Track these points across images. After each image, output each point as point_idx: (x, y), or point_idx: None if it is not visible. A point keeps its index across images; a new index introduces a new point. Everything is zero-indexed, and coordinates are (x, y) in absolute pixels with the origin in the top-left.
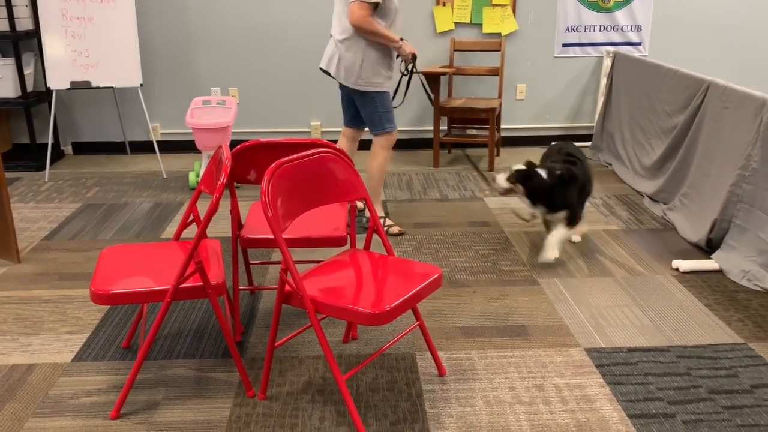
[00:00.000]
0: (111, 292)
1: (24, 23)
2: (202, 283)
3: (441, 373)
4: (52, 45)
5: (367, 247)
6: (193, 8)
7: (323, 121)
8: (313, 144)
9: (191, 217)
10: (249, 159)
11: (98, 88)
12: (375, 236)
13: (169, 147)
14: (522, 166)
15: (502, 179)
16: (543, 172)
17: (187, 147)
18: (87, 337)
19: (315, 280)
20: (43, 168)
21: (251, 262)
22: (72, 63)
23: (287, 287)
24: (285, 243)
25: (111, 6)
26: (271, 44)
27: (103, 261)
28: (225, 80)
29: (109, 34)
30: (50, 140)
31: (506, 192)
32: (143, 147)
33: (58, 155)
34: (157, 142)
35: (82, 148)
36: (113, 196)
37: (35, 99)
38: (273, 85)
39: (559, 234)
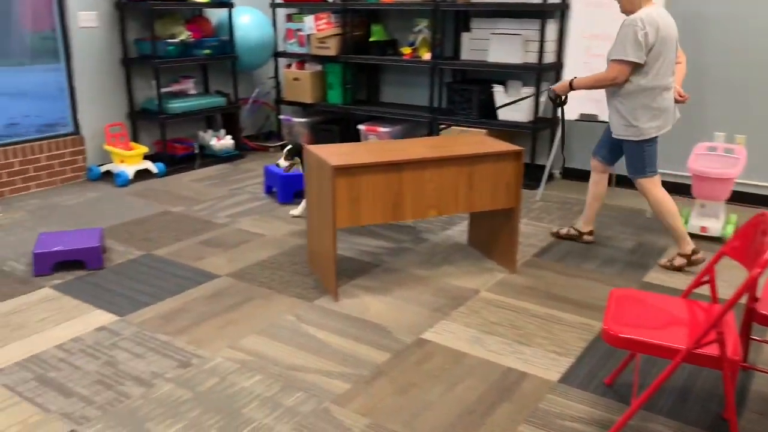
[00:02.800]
0: (621, 335)
1: (548, 57)
2: (718, 354)
3: None
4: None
5: None
6: (713, 45)
7: None
8: None
9: (706, 278)
10: None
11: (603, 122)
12: None
13: None
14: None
15: (282, 162)
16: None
17: (677, 190)
18: (572, 362)
19: None
20: (537, 187)
21: (753, 337)
22: (585, 96)
23: None
24: None
25: None
26: None
27: (615, 302)
28: (733, 126)
29: None
30: (549, 163)
31: (290, 167)
32: (629, 182)
33: (548, 177)
34: None
35: (571, 174)
36: (597, 227)
37: (542, 125)
38: None
39: None
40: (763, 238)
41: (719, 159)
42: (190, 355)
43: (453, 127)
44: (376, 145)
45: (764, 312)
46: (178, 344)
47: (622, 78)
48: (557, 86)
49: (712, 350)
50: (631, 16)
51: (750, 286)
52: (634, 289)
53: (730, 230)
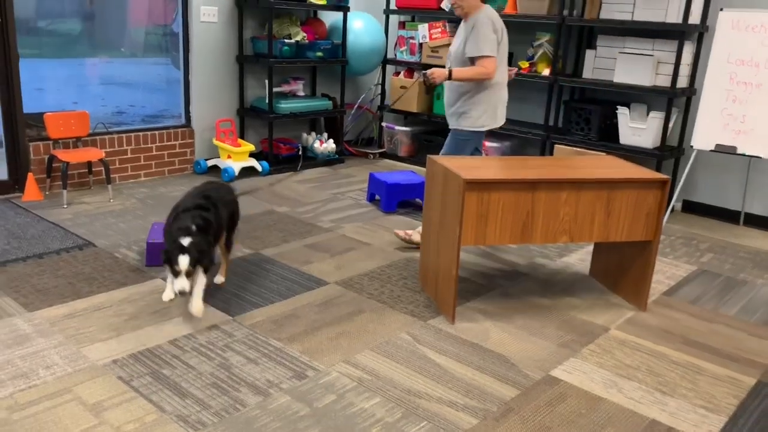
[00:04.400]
0: None
1: (681, 81)
2: None
3: None
4: (709, 106)
5: None
6: None
7: None
8: None
9: None
10: None
11: (743, 155)
12: None
13: None
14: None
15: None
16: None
17: None
18: (724, 421)
19: None
20: None
21: None
22: (723, 126)
23: None
24: None
25: None
26: None
27: None
28: None
29: None
30: (675, 195)
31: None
32: (760, 222)
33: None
34: None
35: (693, 208)
36: (729, 268)
37: (668, 153)
38: None
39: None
40: None
41: None
42: (305, 366)
43: (558, 146)
44: (507, 160)
45: None
46: (291, 352)
47: (494, 73)
48: (436, 73)
49: None
50: (480, 14)
51: None
52: None
53: None
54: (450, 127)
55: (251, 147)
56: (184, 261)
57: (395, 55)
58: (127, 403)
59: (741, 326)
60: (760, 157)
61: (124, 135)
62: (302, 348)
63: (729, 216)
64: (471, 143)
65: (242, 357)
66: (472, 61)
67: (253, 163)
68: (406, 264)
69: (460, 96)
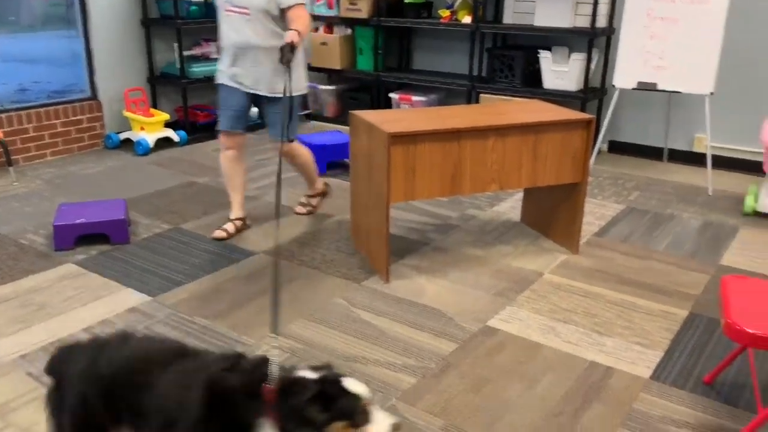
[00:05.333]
0: (749, 331)
1: (600, 20)
2: None
3: None
4: (628, 44)
5: None
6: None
7: None
8: None
9: None
10: None
11: (663, 91)
12: None
13: (716, 162)
14: None
15: None
16: None
17: (736, 165)
18: (660, 356)
19: None
20: None
21: None
22: (643, 63)
23: None
24: None
25: (702, 8)
26: None
27: (731, 291)
28: None
29: (691, 36)
30: (601, 136)
31: None
32: (681, 156)
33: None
34: (707, 154)
35: (618, 148)
36: (656, 204)
37: (592, 94)
38: None
39: None
40: None
41: None
42: (234, 342)
43: (483, 95)
44: (429, 111)
45: None
46: (218, 329)
47: None
48: (296, 39)
49: None
50: None
51: None
52: (743, 275)
53: None
54: (269, 94)
55: (165, 116)
56: None
57: (312, 10)
58: (37, 402)
59: (671, 260)
60: (680, 92)
61: (23, 112)
62: (230, 323)
63: (653, 153)
64: (298, 108)
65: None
66: (284, 12)
67: (169, 133)
68: (338, 226)
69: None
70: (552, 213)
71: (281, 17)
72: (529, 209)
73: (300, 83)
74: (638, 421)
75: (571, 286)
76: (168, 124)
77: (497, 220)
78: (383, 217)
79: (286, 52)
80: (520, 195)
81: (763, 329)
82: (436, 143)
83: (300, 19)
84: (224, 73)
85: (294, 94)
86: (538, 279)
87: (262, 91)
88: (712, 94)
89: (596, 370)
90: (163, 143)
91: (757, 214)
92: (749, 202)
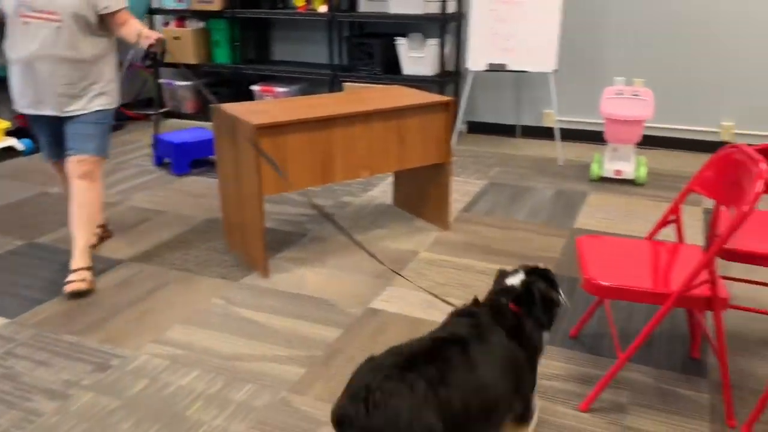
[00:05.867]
0: (603, 284)
1: (450, 6)
2: (709, 295)
3: None
4: (478, 28)
5: None
6: None
7: (737, 121)
8: None
9: (672, 217)
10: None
11: (512, 71)
12: None
13: (564, 135)
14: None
15: None
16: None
17: (581, 136)
18: None
19: None
20: None
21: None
22: (493, 46)
23: None
24: None
25: None
26: (686, 35)
27: (586, 250)
28: (631, 70)
29: (533, 18)
30: (460, 117)
31: None
32: (532, 132)
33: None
34: (555, 128)
35: (476, 128)
36: (514, 178)
37: (448, 78)
38: (681, 79)
39: None
40: (741, 173)
41: (629, 102)
42: (108, 355)
43: (346, 84)
44: (294, 101)
45: (736, 249)
46: (89, 344)
47: None
48: (161, 36)
49: (703, 291)
50: None
51: (738, 224)
52: (595, 235)
53: (643, 172)
54: (72, 112)
55: (6, 123)
56: None
57: (161, 3)
58: None
59: (531, 228)
60: (527, 71)
61: None
62: (102, 337)
63: (507, 130)
64: (110, 126)
65: (29, 361)
66: (103, 18)
67: (11, 142)
68: (208, 226)
69: (92, 67)
70: (422, 194)
71: (98, 25)
72: (400, 192)
73: (107, 98)
74: None
75: (445, 261)
76: (10, 133)
77: (371, 204)
78: (257, 211)
79: (160, 48)
80: (390, 178)
81: (616, 281)
82: (304, 133)
83: (132, 25)
84: (19, 101)
85: (111, 107)
86: (414, 258)
87: (66, 111)
88: (555, 71)
89: None
90: (6, 153)
91: (603, 179)
92: (595, 169)
